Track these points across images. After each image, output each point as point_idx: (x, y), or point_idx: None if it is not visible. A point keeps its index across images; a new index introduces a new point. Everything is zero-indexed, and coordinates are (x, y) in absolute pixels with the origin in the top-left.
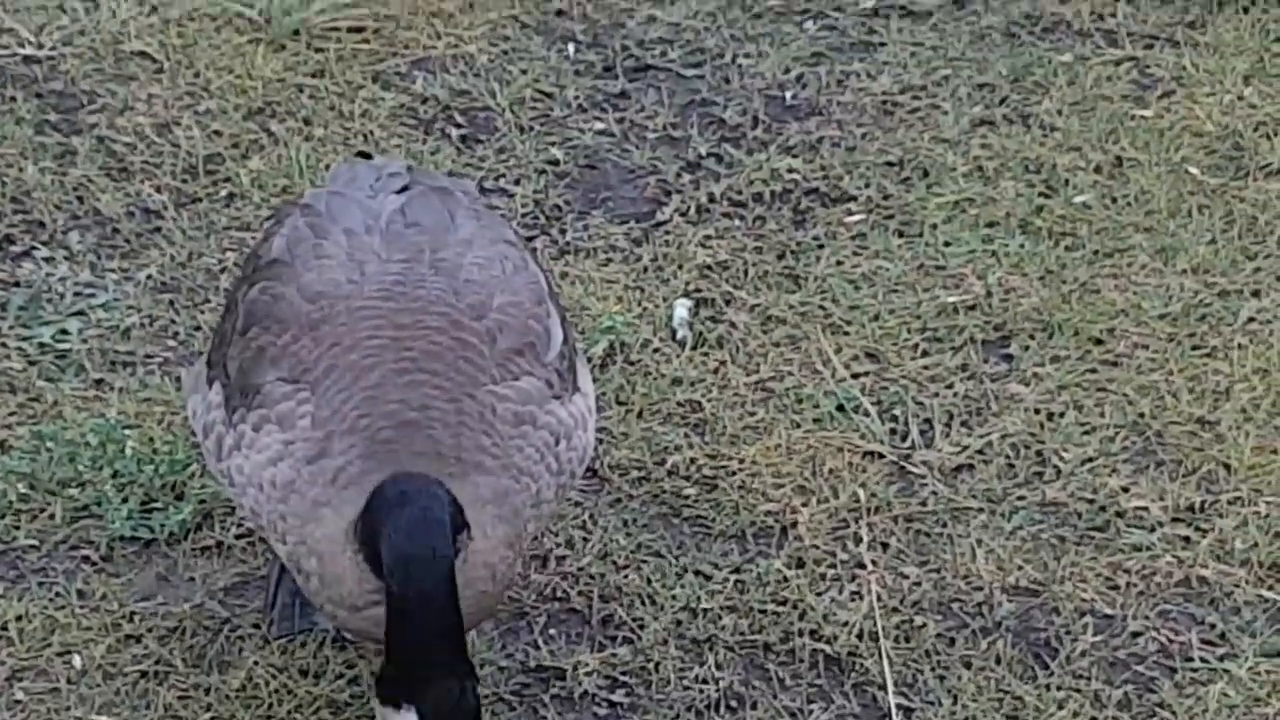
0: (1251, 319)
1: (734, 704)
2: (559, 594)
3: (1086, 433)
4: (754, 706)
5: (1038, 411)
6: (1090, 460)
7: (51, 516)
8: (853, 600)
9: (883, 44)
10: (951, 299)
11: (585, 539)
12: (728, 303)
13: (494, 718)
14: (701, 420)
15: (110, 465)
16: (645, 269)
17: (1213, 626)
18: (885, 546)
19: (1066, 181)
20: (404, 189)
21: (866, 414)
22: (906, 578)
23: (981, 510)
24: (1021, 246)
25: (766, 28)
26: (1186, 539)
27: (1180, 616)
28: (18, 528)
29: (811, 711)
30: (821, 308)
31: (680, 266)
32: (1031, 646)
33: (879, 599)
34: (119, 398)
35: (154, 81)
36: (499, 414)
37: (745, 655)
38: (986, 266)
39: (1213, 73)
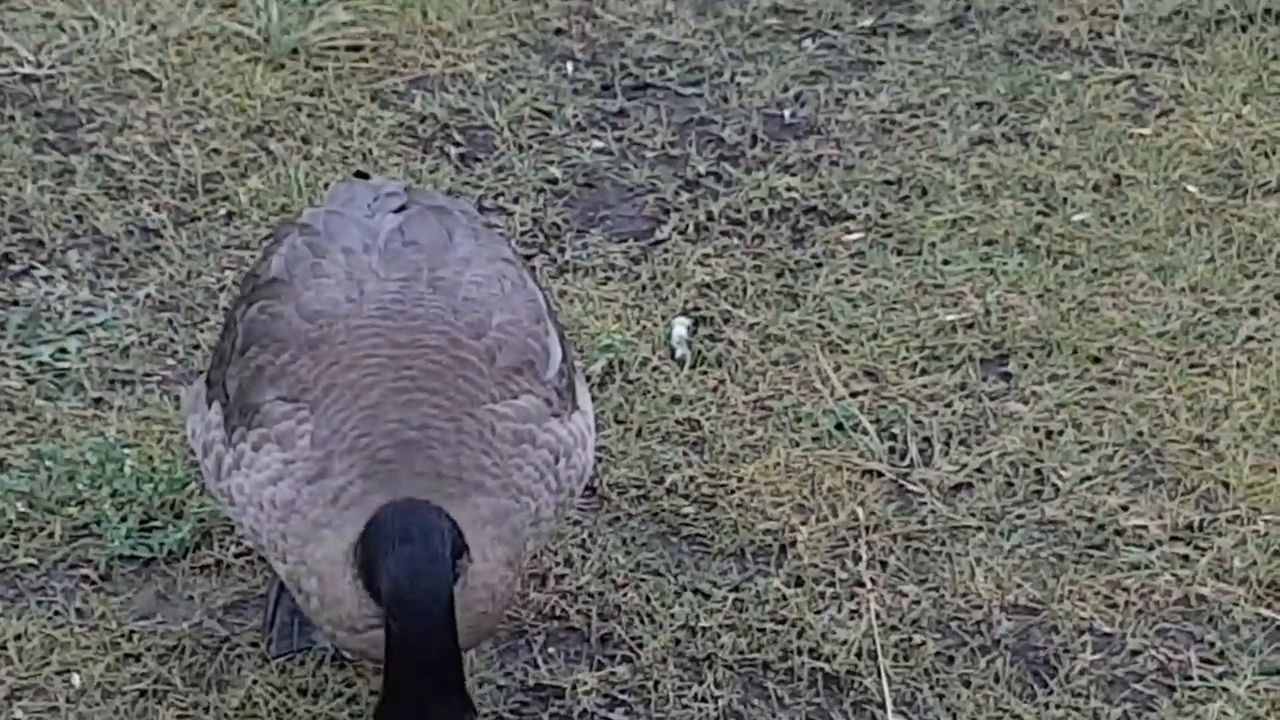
0: (1250, 337)
1: None
2: (558, 612)
3: (1085, 451)
4: None
5: (1036, 430)
6: (1089, 478)
7: (50, 535)
8: (852, 619)
9: (881, 62)
10: (950, 317)
11: (584, 557)
12: (726, 321)
13: None
14: (700, 439)
15: (109, 484)
16: (644, 287)
17: (1212, 645)
18: (884, 565)
19: (1065, 200)
20: (402, 208)
21: (865, 432)
22: (905, 596)
23: (980, 529)
24: (1020, 265)
25: (765, 46)
26: (1185, 557)
27: (1179, 635)
28: (17, 546)
29: None
30: (820, 326)
31: (679, 285)
32: (1030, 665)
33: (878, 617)
34: (118, 416)
35: (153, 100)
36: (498, 432)
37: (744, 674)
38: (985, 285)
39: (1211, 91)
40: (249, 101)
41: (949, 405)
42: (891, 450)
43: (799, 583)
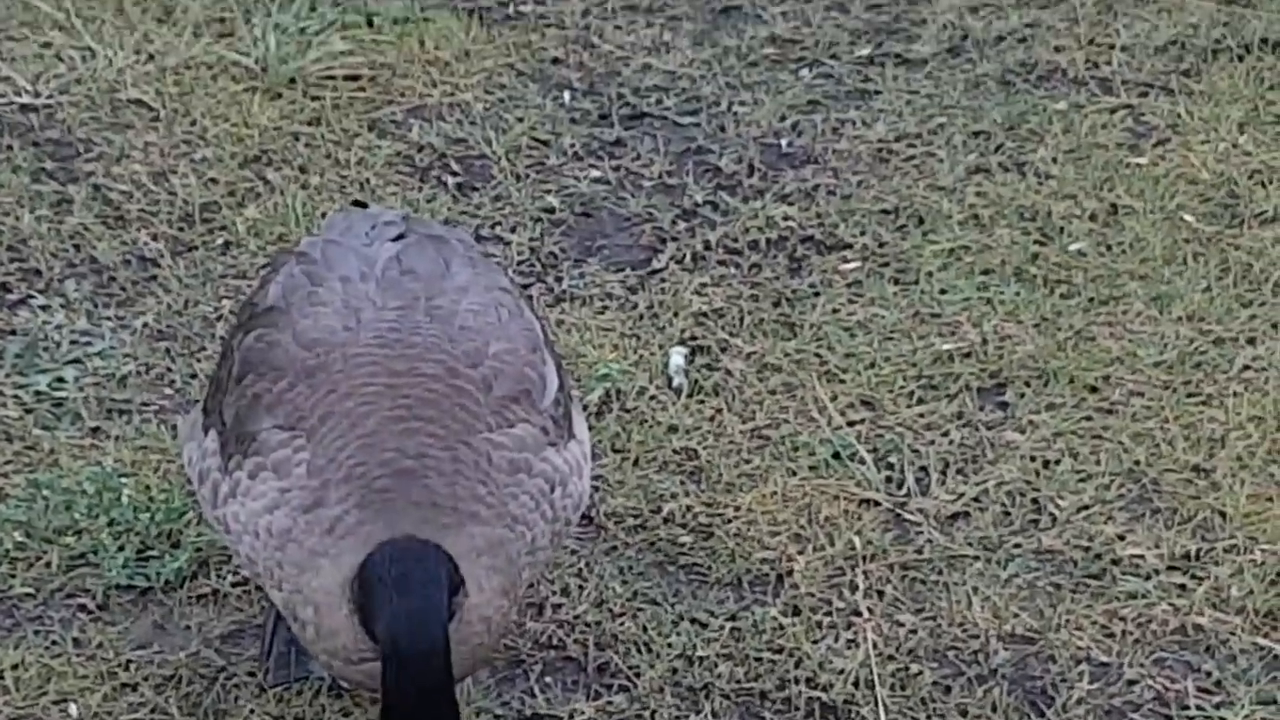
0: (1247, 366)
1: None
2: (555, 642)
3: (1082, 480)
4: None
5: (1033, 459)
6: (1086, 508)
7: (48, 564)
8: (848, 648)
9: (878, 92)
10: (947, 346)
11: (581, 587)
12: (723, 350)
13: None
14: (697, 468)
15: (106, 513)
16: (641, 316)
17: (1209, 674)
18: (881, 594)
19: (1061, 229)
20: (400, 237)
21: (862, 462)
22: (902, 625)
23: (977, 558)
24: (1017, 294)
25: (762, 76)
26: (1182, 587)
27: (1176, 664)
28: (14, 576)
29: None
30: (817, 355)
31: (676, 314)
32: (1028, 694)
33: (875, 647)
34: (115, 446)
35: (150, 130)
36: (495, 461)
37: (741, 703)
38: (982, 314)
39: (1207, 121)
40: (246, 131)
41: (946, 434)
42: (888, 479)
43: (796, 612)
